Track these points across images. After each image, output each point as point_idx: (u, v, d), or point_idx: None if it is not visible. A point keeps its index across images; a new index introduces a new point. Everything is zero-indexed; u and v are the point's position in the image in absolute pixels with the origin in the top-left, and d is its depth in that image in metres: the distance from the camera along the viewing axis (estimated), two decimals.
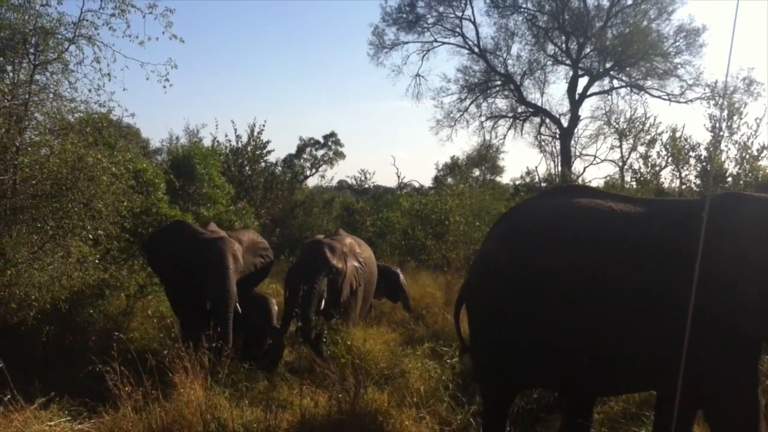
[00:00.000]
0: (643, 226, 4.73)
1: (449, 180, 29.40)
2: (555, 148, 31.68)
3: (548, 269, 4.79)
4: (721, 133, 16.76)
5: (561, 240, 4.83)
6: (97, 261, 9.54)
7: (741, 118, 16.57)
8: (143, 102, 38.39)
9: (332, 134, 35.14)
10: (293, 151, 34.60)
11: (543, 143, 32.33)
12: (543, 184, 25.42)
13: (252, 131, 20.88)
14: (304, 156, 34.84)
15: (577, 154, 30.77)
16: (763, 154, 15.90)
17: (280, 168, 25.47)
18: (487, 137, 32.95)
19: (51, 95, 8.69)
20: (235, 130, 21.00)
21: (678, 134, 18.04)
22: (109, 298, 9.02)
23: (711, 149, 16.79)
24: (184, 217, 12.61)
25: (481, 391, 5.73)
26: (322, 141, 35.11)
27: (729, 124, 16.77)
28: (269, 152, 21.53)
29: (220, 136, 20.89)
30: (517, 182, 29.82)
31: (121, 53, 8.73)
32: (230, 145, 20.73)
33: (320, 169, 34.99)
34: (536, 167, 37.16)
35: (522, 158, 60.64)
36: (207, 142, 20.84)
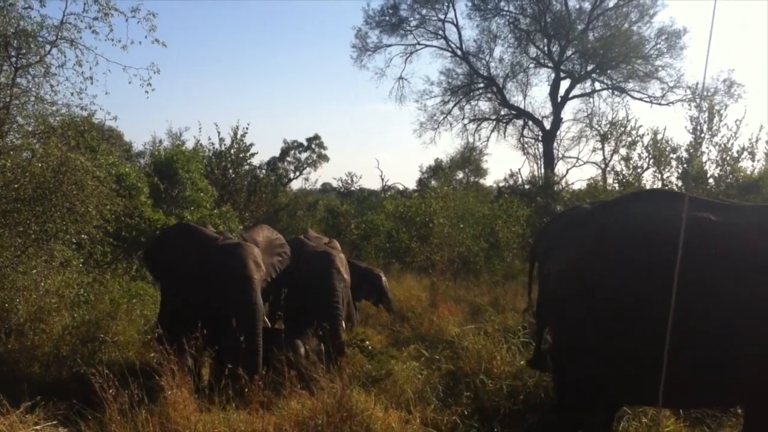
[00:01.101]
0: (755, 239, 4.51)
1: (433, 182, 29.52)
2: (538, 150, 31.81)
3: (658, 282, 4.49)
4: (702, 135, 16.95)
5: (668, 252, 4.45)
6: (80, 265, 9.50)
7: (721, 120, 16.79)
8: (126, 105, 38.18)
9: (316, 137, 35.14)
10: (277, 153, 34.57)
11: (526, 145, 32.46)
12: (526, 186, 25.51)
13: (235, 134, 20.88)
14: (288, 159, 34.77)
15: (560, 156, 30.91)
16: (743, 156, 16.11)
17: (263, 171, 25.46)
18: (471, 140, 33.05)
19: (32, 98, 8.65)
20: (218, 132, 20.98)
21: (659, 136, 18.25)
22: (93, 302, 8.96)
23: (691, 151, 16.96)
24: (168, 221, 12.59)
25: (571, 406, 5.32)
26: (305, 144, 35.09)
27: (710, 126, 16.97)
28: (253, 155, 21.55)
29: (203, 139, 20.78)
30: (501, 184, 29.96)
31: (103, 57, 8.70)
32: (213, 148, 20.74)
33: (304, 171, 34.96)
34: (519, 169, 37.47)
35: (505, 160, 60.98)
36: (190, 145, 20.84)
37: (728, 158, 16.23)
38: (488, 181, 34.31)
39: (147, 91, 8.98)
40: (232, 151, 20.80)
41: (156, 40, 8.82)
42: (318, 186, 36.17)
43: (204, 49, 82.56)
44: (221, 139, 20.84)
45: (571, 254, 5.22)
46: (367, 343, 8.19)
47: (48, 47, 8.50)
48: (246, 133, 20.94)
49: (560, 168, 29.68)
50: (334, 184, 37.29)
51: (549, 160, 30.27)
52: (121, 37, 8.67)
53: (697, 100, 20.92)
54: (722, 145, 16.43)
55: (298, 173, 34.82)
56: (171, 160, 15.30)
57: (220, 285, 7.50)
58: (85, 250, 9.83)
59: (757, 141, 15.99)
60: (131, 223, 11.97)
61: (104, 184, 8.98)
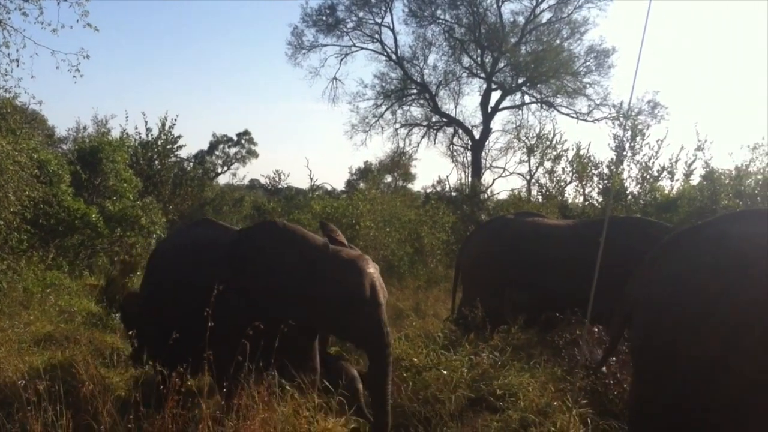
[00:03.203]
0: None
1: (362, 185, 29.56)
2: (466, 158, 32.23)
3: None
4: (624, 153, 17.53)
5: None
6: None
7: (644, 139, 17.43)
8: (52, 90, 37.00)
9: (246, 132, 34.89)
10: (205, 147, 34.16)
11: (455, 153, 32.83)
12: (453, 194, 25.80)
13: (163, 125, 20.51)
14: (217, 153, 34.44)
15: (488, 165, 31.36)
16: (663, 175, 16.76)
17: (190, 164, 25.10)
18: (401, 144, 33.23)
19: None
20: (146, 122, 20.57)
21: (582, 152, 18.81)
22: (5, 290, 8.69)
23: (612, 167, 17.53)
24: (89, 211, 12.31)
25: None
26: (235, 138, 34.79)
27: (632, 144, 17.58)
28: (180, 147, 21.24)
29: (129, 128, 20.29)
30: (428, 190, 30.23)
31: (31, 39, 8.51)
32: (140, 137, 20.31)
33: (232, 167, 34.65)
34: (447, 177, 37.86)
35: (434, 167, 61.35)
36: (115, 133, 20.39)
37: (648, 177, 16.85)
38: (416, 186, 34.56)
39: (75, 77, 8.81)
40: (159, 142, 20.43)
41: (88, 24, 8.69)
42: (245, 182, 35.95)
43: (135, 37, 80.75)
44: (148, 129, 20.49)
45: (685, 269, 4.41)
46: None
47: None
48: (174, 124, 20.66)
49: (487, 177, 30.13)
50: (262, 180, 36.99)
51: (477, 168, 30.70)
52: (52, 21, 8.51)
53: (621, 119, 21.57)
54: (643, 164, 17.06)
55: (226, 168, 34.54)
56: (96, 149, 14.95)
57: (338, 306, 5.84)
58: (0, 236, 9.54)
59: (676, 161, 16.68)
60: (50, 210, 11.66)
61: (24, 169, 8.76)
